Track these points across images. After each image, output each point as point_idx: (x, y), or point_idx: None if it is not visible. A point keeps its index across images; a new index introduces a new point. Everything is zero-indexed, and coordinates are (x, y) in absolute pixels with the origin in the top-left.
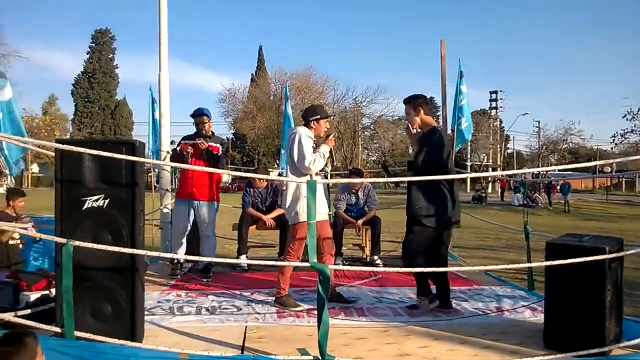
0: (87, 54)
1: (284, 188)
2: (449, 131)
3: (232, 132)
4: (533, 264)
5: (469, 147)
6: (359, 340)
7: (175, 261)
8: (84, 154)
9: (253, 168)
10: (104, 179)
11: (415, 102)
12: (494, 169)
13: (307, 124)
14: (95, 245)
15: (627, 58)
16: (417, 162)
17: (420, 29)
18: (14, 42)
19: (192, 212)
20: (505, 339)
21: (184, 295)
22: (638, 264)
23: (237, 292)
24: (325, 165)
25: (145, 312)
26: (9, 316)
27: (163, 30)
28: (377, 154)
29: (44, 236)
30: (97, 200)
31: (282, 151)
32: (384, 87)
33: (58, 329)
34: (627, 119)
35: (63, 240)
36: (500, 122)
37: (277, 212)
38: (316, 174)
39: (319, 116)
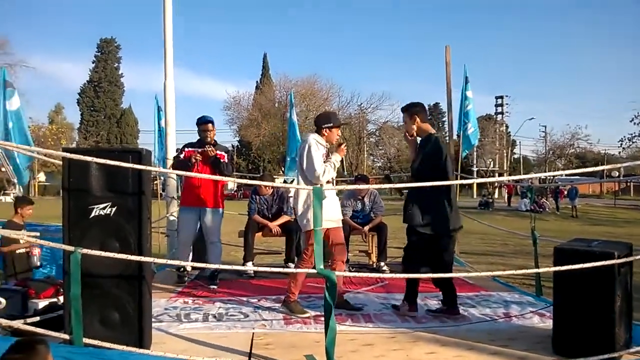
0: (93, 63)
1: (290, 195)
2: (455, 137)
3: (237, 139)
4: (541, 270)
5: (475, 153)
6: (366, 347)
7: (182, 268)
8: (90, 163)
9: (259, 175)
10: (111, 187)
11: (411, 110)
12: (500, 175)
13: (318, 131)
14: (102, 253)
15: (635, 61)
16: (412, 168)
17: (424, 35)
18: (20, 52)
19: (199, 219)
20: (513, 344)
21: (191, 302)
22: None
23: (244, 299)
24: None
25: (153, 319)
26: (18, 323)
27: (168, 39)
28: (382, 160)
29: (51, 244)
30: (104, 208)
31: (288, 158)
32: (388, 94)
33: (67, 336)
34: (634, 123)
35: (71, 248)
36: (507, 127)
37: (282, 219)
38: (327, 182)
39: (331, 124)
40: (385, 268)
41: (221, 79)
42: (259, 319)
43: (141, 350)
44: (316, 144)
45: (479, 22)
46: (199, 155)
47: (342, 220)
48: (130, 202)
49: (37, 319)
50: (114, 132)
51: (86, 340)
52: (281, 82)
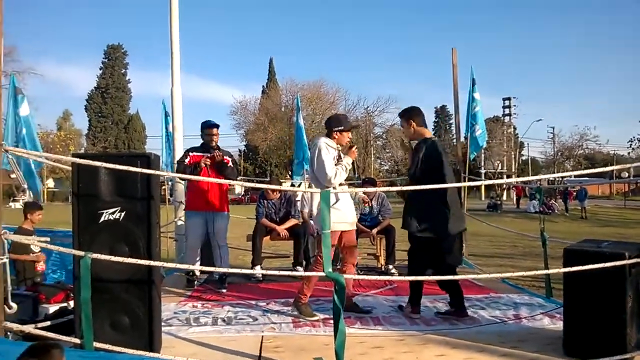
0: (100, 69)
1: (297, 199)
2: (462, 139)
3: (244, 144)
4: (550, 271)
5: (483, 155)
6: (376, 349)
7: (191, 273)
8: (100, 168)
9: (267, 180)
10: (120, 192)
11: (407, 115)
12: (508, 176)
13: (329, 134)
14: (112, 258)
15: None
16: (409, 174)
17: (430, 37)
18: (28, 60)
19: (206, 223)
20: (523, 346)
21: (200, 306)
22: None
23: (253, 302)
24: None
25: (163, 323)
26: (29, 328)
27: (175, 45)
28: (389, 163)
29: (61, 249)
30: (113, 213)
31: (295, 161)
32: (395, 97)
33: (77, 340)
34: None
35: (81, 253)
36: (514, 128)
37: (290, 223)
38: (340, 184)
39: (342, 127)
40: (393, 271)
41: (228, 84)
42: (268, 322)
43: (151, 354)
44: (326, 147)
45: (486, 24)
46: (208, 160)
47: None
48: (139, 207)
49: (48, 323)
50: (122, 138)
51: (97, 345)
52: (287, 86)
